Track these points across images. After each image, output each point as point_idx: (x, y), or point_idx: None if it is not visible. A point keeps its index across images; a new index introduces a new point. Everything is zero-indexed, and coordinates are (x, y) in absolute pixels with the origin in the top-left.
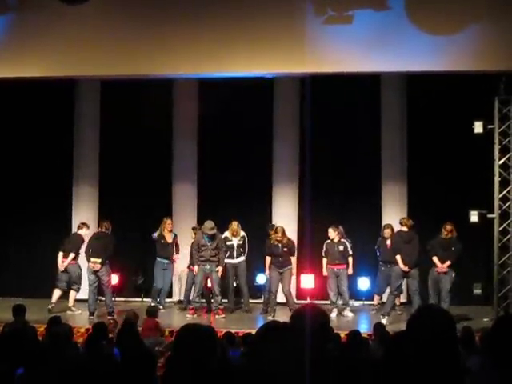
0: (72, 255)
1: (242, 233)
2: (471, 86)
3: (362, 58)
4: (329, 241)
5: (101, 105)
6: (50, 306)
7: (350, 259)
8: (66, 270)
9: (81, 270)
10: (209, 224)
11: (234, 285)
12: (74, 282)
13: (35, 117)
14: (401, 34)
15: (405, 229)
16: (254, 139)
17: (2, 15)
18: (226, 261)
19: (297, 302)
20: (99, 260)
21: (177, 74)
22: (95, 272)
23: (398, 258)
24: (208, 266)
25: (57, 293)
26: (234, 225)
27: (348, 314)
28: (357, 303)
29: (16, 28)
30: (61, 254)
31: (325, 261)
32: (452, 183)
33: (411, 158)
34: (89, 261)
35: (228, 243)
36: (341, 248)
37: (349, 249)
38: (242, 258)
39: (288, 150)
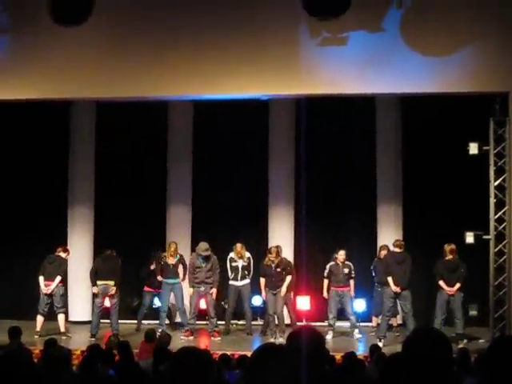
0: (59, 278)
1: (248, 254)
2: (466, 107)
3: (356, 80)
4: (333, 263)
5: (96, 126)
6: (36, 336)
7: (352, 281)
8: (50, 294)
9: (66, 292)
10: (203, 245)
11: (231, 307)
12: (60, 306)
13: (30, 137)
14: (395, 56)
15: (397, 250)
16: (249, 161)
17: None
18: (230, 283)
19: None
20: (112, 282)
21: (171, 96)
22: (105, 295)
23: (390, 279)
24: (203, 288)
25: (40, 319)
26: (238, 247)
27: (357, 335)
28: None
29: (12, 50)
30: (41, 278)
31: (326, 282)
32: (447, 204)
33: (406, 179)
34: (94, 283)
35: (233, 264)
36: (346, 270)
37: (352, 271)
38: (247, 281)
39: (283, 171)
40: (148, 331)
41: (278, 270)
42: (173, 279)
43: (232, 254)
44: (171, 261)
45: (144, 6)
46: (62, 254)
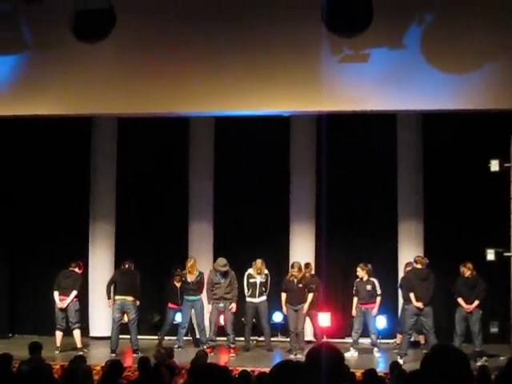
0: (75, 292)
1: (266, 271)
2: (487, 124)
3: (377, 97)
4: (358, 279)
5: (118, 142)
6: (56, 351)
7: (379, 299)
8: (64, 309)
9: (81, 307)
10: (221, 261)
11: (250, 323)
12: (75, 322)
13: (52, 153)
14: (416, 73)
15: (419, 266)
16: (270, 177)
17: (19, 53)
18: (248, 300)
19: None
20: (130, 298)
21: (193, 113)
22: (123, 310)
23: (412, 295)
24: (222, 304)
25: (59, 334)
26: (259, 263)
27: (376, 354)
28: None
29: (33, 66)
30: (56, 293)
31: (355, 300)
32: (468, 221)
33: (427, 196)
34: (109, 297)
35: (251, 280)
36: (368, 287)
37: (377, 288)
38: (264, 298)
39: (305, 187)
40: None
41: (300, 285)
42: (193, 296)
43: (250, 270)
44: (191, 278)
45: (165, 23)
46: (77, 270)
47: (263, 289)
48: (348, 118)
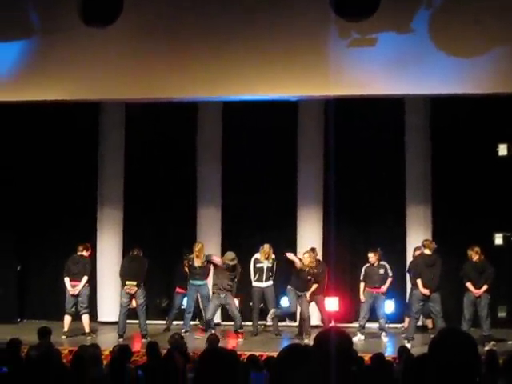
0: (86, 278)
1: (273, 256)
2: (496, 108)
3: (385, 81)
4: (368, 264)
5: (125, 128)
6: (63, 336)
7: (389, 280)
8: (76, 295)
9: (90, 292)
10: (230, 255)
11: (257, 308)
12: (85, 307)
13: (60, 139)
14: (424, 57)
15: (427, 251)
16: (278, 162)
17: (27, 38)
18: (254, 284)
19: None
20: (135, 283)
21: (200, 98)
22: (131, 295)
23: (419, 281)
24: (223, 295)
25: (67, 319)
26: (267, 247)
27: (384, 339)
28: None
29: (41, 51)
30: (67, 279)
31: (362, 285)
32: (476, 206)
33: (435, 180)
34: (124, 284)
35: (258, 265)
36: (381, 271)
37: (389, 271)
38: (271, 282)
39: (312, 172)
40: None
41: (309, 277)
42: (199, 281)
43: (257, 255)
44: (197, 262)
45: (173, 7)
46: (85, 253)
47: (270, 274)
48: (356, 102)
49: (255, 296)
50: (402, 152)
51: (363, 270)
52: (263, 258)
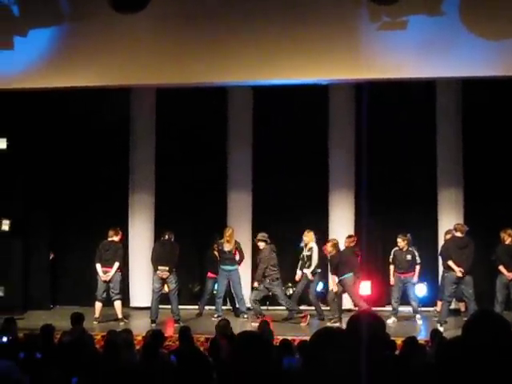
0: (117, 264)
1: (312, 244)
2: None
3: (416, 64)
4: (397, 248)
5: (156, 113)
6: (95, 322)
7: (418, 267)
8: (108, 281)
9: (121, 278)
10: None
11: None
12: (117, 293)
13: (92, 125)
14: (455, 39)
15: (459, 234)
16: (309, 146)
17: (57, 25)
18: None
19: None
20: (167, 268)
21: (231, 82)
22: (163, 280)
23: (451, 263)
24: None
25: (99, 306)
26: (312, 235)
27: (419, 321)
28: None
29: (71, 37)
30: (99, 265)
31: (392, 268)
32: (508, 189)
33: (467, 164)
34: (156, 269)
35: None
36: (408, 257)
37: (417, 257)
38: (306, 270)
39: (344, 156)
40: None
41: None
42: (230, 266)
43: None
44: (227, 247)
45: None
46: (115, 238)
47: (308, 263)
48: (386, 86)
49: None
50: (434, 136)
51: (392, 253)
52: (304, 245)
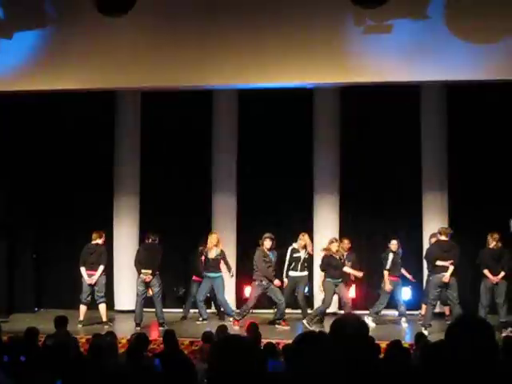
0: (102, 267)
1: (310, 247)
2: (511, 94)
3: (401, 68)
4: (392, 253)
5: (141, 116)
6: (79, 325)
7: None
8: (93, 284)
9: (106, 281)
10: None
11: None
12: (101, 296)
13: (76, 128)
14: (440, 43)
15: (443, 238)
16: (294, 149)
17: (41, 28)
18: (290, 273)
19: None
20: (150, 271)
21: (216, 85)
22: (146, 283)
23: (439, 262)
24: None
25: (83, 309)
26: (306, 238)
27: (404, 324)
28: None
29: (55, 41)
30: (83, 269)
31: (387, 274)
32: (493, 192)
33: (452, 167)
34: (139, 272)
35: (295, 255)
36: (399, 260)
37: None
38: (305, 273)
39: (329, 159)
40: (205, 332)
41: (342, 261)
42: (213, 273)
43: (295, 245)
44: (212, 254)
45: None
46: (99, 241)
47: (305, 265)
48: (371, 89)
49: (290, 284)
50: (418, 138)
51: (390, 259)
52: (301, 247)
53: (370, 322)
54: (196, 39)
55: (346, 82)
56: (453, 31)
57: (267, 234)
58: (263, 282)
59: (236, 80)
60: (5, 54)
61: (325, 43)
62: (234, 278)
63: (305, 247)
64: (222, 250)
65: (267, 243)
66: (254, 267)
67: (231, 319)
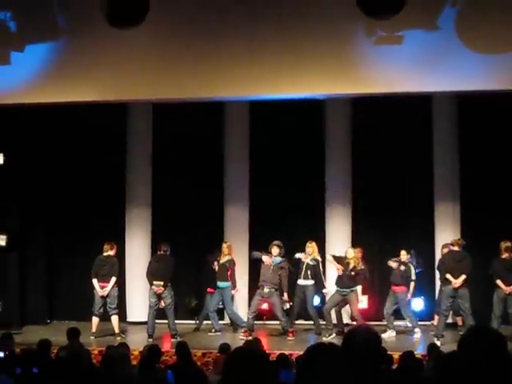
0: (114, 279)
1: (316, 256)
2: None
3: (412, 79)
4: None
5: (153, 127)
6: (92, 337)
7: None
8: (105, 296)
9: (118, 292)
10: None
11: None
12: (114, 307)
13: (87, 138)
14: (451, 54)
15: (456, 248)
16: (306, 160)
17: (54, 40)
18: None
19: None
20: (162, 283)
21: (227, 97)
22: (158, 295)
23: (448, 276)
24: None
25: (95, 320)
26: (313, 245)
27: (416, 336)
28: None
29: (67, 53)
30: (95, 280)
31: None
32: (505, 202)
33: (463, 177)
34: (151, 284)
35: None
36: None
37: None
38: (310, 282)
39: (341, 170)
40: (222, 344)
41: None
42: (221, 282)
43: (299, 255)
44: (221, 262)
45: (198, 8)
46: (111, 252)
47: (308, 273)
48: (383, 100)
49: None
50: (430, 149)
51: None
52: (308, 255)
53: (390, 332)
54: (207, 51)
55: (357, 93)
56: (464, 41)
57: (275, 242)
58: (263, 290)
59: (246, 92)
60: (17, 66)
61: (336, 54)
62: (245, 289)
63: (311, 255)
64: (230, 259)
65: (274, 250)
66: None
67: (243, 330)
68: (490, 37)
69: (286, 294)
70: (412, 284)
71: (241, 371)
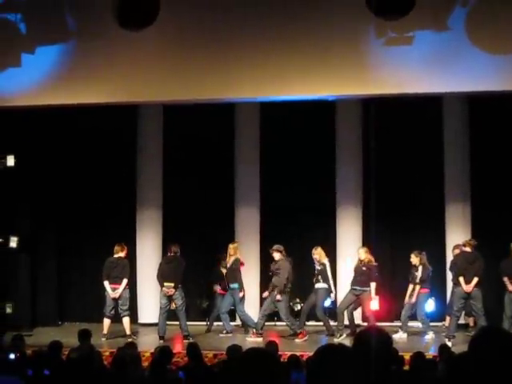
0: (125, 281)
1: (324, 260)
2: None
3: (422, 79)
4: (422, 266)
5: (164, 129)
6: (103, 339)
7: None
8: (117, 298)
9: (130, 294)
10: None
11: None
12: (125, 309)
13: (98, 140)
14: (461, 54)
15: (468, 249)
16: (317, 161)
17: (64, 42)
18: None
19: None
20: (172, 284)
21: (237, 98)
22: (169, 296)
23: (461, 279)
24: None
25: (107, 322)
26: (320, 250)
27: (428, 336)
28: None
29: (78, 55)
30: (107, 282)
31: (418, 287)
32: None
33: (474, 177)
34: (162, 285)
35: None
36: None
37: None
38: (322, 285)
39: (351, 171)
40: (231, 346)
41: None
42: (231, 283)
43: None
44: (229, 264)
45: (210, 10)
46: (122, 254)
47: (319, 276)
48: (393, 101)
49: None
50: (441, 150)
51: (426, 271)
52: (315, 261)
53: (401, 333)
54: (217, 52)
55: (367, 94)
56: (474, 42)
57: (273, 247)
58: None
59: (257, 93)
60: (27, 68)
61: (346, 55)
62: (257, 290)
63: (319, 260)
64: (236, 259)
65: (275, 256)
66: None
67: (253, 331)
68: (501, 37)
69: (279, 296)
70: (417, 287)
71: (252, 372)
